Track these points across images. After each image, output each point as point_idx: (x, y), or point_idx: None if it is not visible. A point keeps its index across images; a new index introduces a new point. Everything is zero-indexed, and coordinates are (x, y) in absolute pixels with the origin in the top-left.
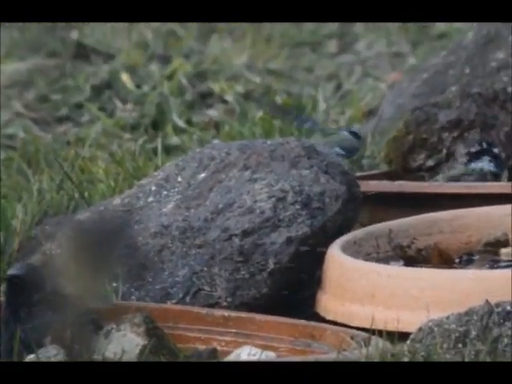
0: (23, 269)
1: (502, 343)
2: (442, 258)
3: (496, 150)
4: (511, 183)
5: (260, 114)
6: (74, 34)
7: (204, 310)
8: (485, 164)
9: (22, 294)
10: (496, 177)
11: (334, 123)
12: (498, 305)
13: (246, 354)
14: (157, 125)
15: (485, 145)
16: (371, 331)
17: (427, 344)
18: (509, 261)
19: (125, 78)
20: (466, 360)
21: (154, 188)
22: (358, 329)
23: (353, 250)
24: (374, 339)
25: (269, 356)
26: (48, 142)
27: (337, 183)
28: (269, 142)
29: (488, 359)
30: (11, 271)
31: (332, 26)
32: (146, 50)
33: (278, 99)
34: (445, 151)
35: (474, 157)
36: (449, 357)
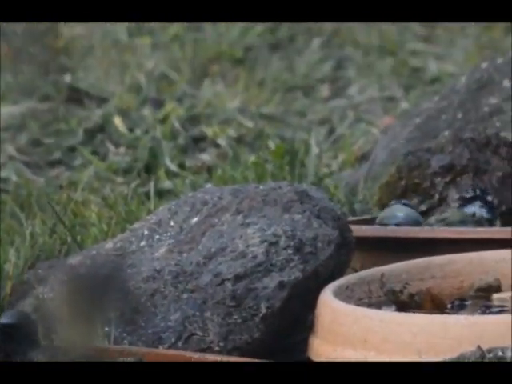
0: (14, 317)
1: None
2: (435, 304)
3: (489, 197)
4: (506, 229)
5: (252, 158)
6: (67, 78)
7: (196, 355)
8: (477, 209)
9: (14, 341)
10: (489, 222)
11: (327, 167)
12: (489, 350)
13: None
14: (149, 169)
15: (478, 191)
16: None
17: None
18: (501, 306)
19: (117, 121)
20: None
21: (146, 232)
22: None
23: (345, 295)
24: None
25: None
26: (40, 185)
27: (329, 228)
28: (261, 187)
29: None
30: (2, 320)
31: (324, 70)
32: (139, 94)
33: (271, 143)
34: (437, 196)
35: (466, 202)
36: None
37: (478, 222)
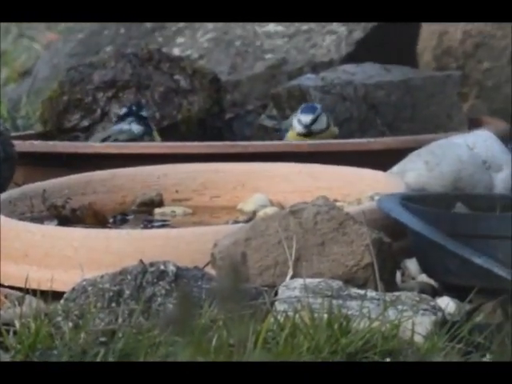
0: None
1: (156, 302)
2: (97, 218)
3: (143, 112)
4: (166, 144)
5: None
6: None
7: None
8: (128, 125)
9: None
10: (145, 137)
11: None
12: (152, 264)
13: None
14: None
15: (133, 107)
16: (25, 290)
17: (81, 303)
18: (163, 220)
19: None
20: (120, 319)
21: None
22: (12, 288)
23: (8, 210)
24: (28, 298)
25: None
26: None
27: None
28: None
29: (142, 318)
30: None
31: None
32: None
33: None
34: (99, 111)
35: (120, 118)
36: (102, 316)
37: (134, 137)
